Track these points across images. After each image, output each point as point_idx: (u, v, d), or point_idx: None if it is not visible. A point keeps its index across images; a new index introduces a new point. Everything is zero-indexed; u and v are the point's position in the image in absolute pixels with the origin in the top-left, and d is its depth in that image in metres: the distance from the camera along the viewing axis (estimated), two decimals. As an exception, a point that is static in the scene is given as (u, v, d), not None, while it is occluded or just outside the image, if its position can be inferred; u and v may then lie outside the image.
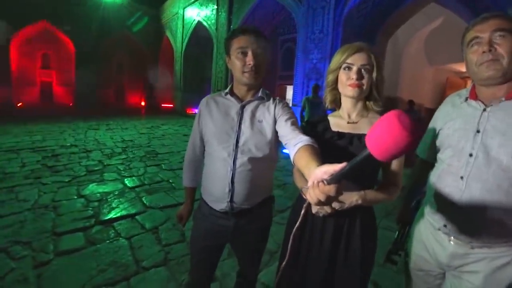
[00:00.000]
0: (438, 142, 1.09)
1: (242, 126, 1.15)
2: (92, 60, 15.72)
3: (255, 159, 1.14)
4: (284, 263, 0.92)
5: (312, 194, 0.60)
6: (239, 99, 1.20)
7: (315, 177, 0.61)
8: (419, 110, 7.35)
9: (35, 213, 2.87)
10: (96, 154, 5.49)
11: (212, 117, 1.20)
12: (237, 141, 1.14)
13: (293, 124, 1.10)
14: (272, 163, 1.25)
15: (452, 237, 1.00)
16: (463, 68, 10.06)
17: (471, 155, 0.95)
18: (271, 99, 1.21)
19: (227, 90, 1.23)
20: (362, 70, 1.04)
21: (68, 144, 6.24)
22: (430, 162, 1.15)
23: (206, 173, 1.24)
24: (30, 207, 2.99)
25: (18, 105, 14.60)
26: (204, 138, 1.24)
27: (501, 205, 0.89)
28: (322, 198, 0.58)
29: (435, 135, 1.11)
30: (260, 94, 1.19)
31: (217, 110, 1.20)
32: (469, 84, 1.00)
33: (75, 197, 3.34)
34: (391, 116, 0.52)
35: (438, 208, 1.04)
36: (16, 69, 14.94)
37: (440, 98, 10.52)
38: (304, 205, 0.70)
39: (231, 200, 1.15)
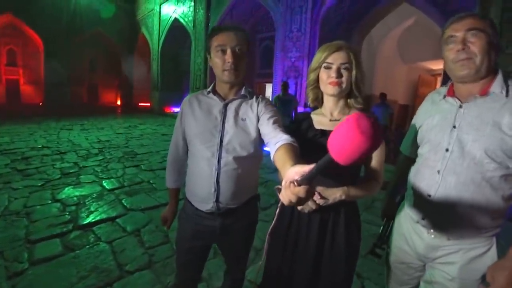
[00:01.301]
0: (418, 138, 1.13)
1: (226, 125, 1.14)
2: (62, 57, 14.93)
3: (240, 158, 1.14)
4: (261, 262, 0.93)
5: (284, 195, 0.60)
6: (221, 97, 1.19)
7: (287, 178, 0.61)
8: (393, 106, 7.50)
9: (6, 220, 2.71)
10: (70, 156, 5.26)
11: (194, 117, 1.19)
12: (221, 140, 1.13)
13: (275, 122, 1.09)
14: (256, 162, 1.25)
15: (430, 230, 1.04)
16: (434, 66, 10.59)
17: (447, 149, 0.99)
18: (254, 97, 1.21)
19: (209, 89, 1.21)
20: (342, 68, 1.07)
21: (39, 146, 5.92)
22: (412, 158, 1.19)
23: (190, 173, 1.22)
24: (0, 214, 2.82)
25: (-19, 105, 13.64)
26: (187, 138, 1.23)
27: (474, 197, 0.94)
28: (293, 199, 0.58)
29: (416, 132, 1.16)
30: (243, 92, 1.18)
31: (200, 109, 1.19)
32: (439, 81, 1.05)
33: (50, 201, 3.19)
34: (350, 120, 0.51)
35: (416, 202, 1.09)
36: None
37: (412, 95, 11.02)
38: (278, 205, 0.70)
39: (217, 200, 1.15)
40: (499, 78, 0.94)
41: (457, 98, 1.01)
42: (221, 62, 1.10)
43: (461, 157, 0.96)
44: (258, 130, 1.15)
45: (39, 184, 3.70)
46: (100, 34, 16.51)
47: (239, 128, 1.14)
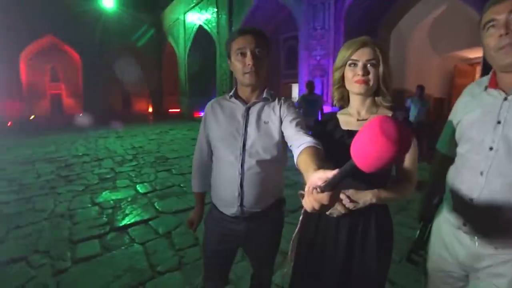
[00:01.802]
0: (457, 135, 1.02)
1: (248, 128, 1.14)
2: (97, 70, 16.06)
3: (263, 162, 1.13)
4: (286, 269, 0.90)
5: (307, 201, 0.58)
6: (244, 101, 1.19)
7: (310, 183, 0.58)
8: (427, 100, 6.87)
9: (52, 222, 2.96)
10: (107, 162, 5.59)
11: (217, 121, 1.20)
12: (244, 144, 1.13)
13: (297, 124, 1.07)
14: (280, 165, 1.23)
15: (473, 237, 0.93)
16: (471, 54, 9.86)
17: (491, 148, 0.88)
18: (276, 99, 1.20)
19: (231, 93, 1.22)
20: (368, 65, 1.02)
21: (80, 154, 6.38)
22: (450, 157, 1.08)
23: (215, 177, 1.23)
24: (47, 217, 3.08)
25: (30, 118, 14.97)
26: (211, 143, 1.24)
27: None
28: (316, 206, 0.56)
29: (454, 128, 1.04)
30: (265, 95, 1.18)
31: (223, 114, 1.20)
32: (478, 70, 0.92)
33: (90, 205, 3.42)
34: (373, 124, 0.47)
35: (457, 206, 0.98)
36: (26, 83, 15.35)
37: (448, 87, 10.33)
38: (302, 211, 0.66)
39: (241, 204, 1.14)
40: None
41: (501, 90, 0.89)
42: (241, 65, 1.11)
43: (508, 156, 0.85)
44: (281, 133, 1.14)
45: (80, 189, 3.98)
46: (130, 47, 17.47)
47: (262, 132, 1.14)
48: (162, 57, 18.01)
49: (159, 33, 17.38)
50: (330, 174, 0.55)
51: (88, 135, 9.16)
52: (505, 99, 0.88)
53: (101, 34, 15.99)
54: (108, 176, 4.66)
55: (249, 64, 1.09)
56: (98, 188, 4.05)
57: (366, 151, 0.46)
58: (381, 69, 1.04)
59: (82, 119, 12.91)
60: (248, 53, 1.09)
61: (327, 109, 6.43)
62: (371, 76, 1.02)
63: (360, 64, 1.02)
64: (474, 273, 0.97)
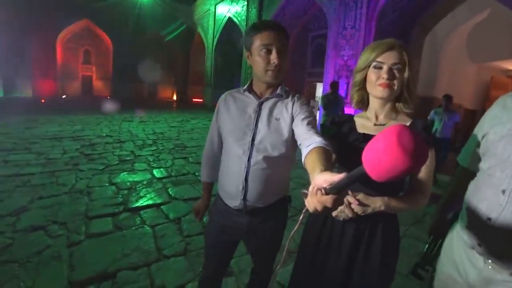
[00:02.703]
0: (481, 149, 0.95)
1: (259, 123, 1.13)
2: (128, 56, 16.61)
3: (270, 158, 1.12)
4: (279, 266, 0.89)
5: (310, 201, 0.58)
6: (257, 95, 1.18)
7: (315, 184, 0.58)
8: (457, 111, 6.32)
9: (71, 197, 3.11)
10: (128, 145, 5.79)
11: (229, 114, 1.20)
12: (253, 139, 1.12)
13: (309, 123, 1.04)
14: (288, 163, 1.22)
15: (487, 259, 0.88)
16: (510, 66, 9.24)
17: None
18: (290, 96, 1.17)
19: (245, 87, 1.21)
20: (394, 69, 0.98)
21: (104, 135, 6.64)
22: (472, 171, 1.02)
23: (222, 169, 1.24)
24: (68, 191, 3.24)
25: (63, 97, 15.77)
26: (222, 135, 1.25)
27: None
28: (319, 207, 0.56)
29: (479, 141, 0.97)
30: (279, 91, 1.15)
31: (235, 107, 1.20)
32: None
33: (107, 184, 3.56)
34: (391, 132, 0.45)
35: (473, 224, 0.92)
36: (60, 64, 16.17)
37: (483, 98, 9.75)
38: (303, 211, 0.66)
39: (244, 198, 1.15)
40: None
41: None
42: (264, 62, 1.07)
43: None
44: (292, 131, 1.12)
45: (100, 168, 4.15)
46: (160, 36, 17.89)
47: (272, 128, 1.12)
48: (190, 47, 18.30)
49: (189, 23, 17.63)
50: (336, 177, 0.54)
51: (113, 118, 9.51)
52: None
53: (135, 22, 16.50)
54: (127, 158, 4.82)
55: (274, 62, 1.07)
56: (117, 169, 4.21)
57: (379, 160, 0.45)
58: (406, 74, 0.99)
59: (109, 101, 13.41)
60: (274, 51, 1.06)
61: (349, 110, 6.28)
62: (395, 81, 0.98)
63: (385, 67, 0.98)
64: None
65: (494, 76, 9.51)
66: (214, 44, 14.56)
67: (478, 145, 0.98)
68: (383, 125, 1.06)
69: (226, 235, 1.27)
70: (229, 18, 12.88)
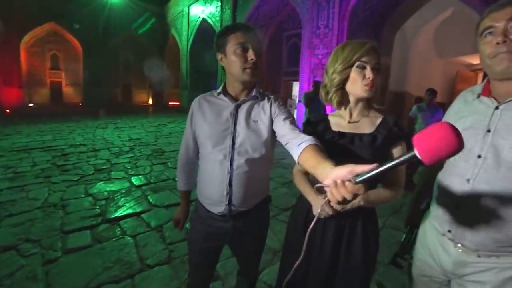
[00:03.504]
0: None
1: (237, 127, 1.12)
2: (99, 60, 16.00)
3: (252, 160, 1.12)
4: (297, 263, 0.89)
5: (336, 193, 0.62)
6: (233, 98, 1.16)
7: (338, 176, 0.62)
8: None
9: (45, 211, 2.95)
10: (104, 153, 5.58)
11: (205, 119, 1.17)
12: (233, 143, 1.11)
13: (291, 123, 1.07)
14: (268, 163, 1.23)
15: (457, 243, 0.94)
16: (474, 61, 9.83)
17: (479, 156, 0.88)
18: (266, 98, 1.18)
19: (219, 90, 1.19)
20: (375, 69, 1.02)
21: (77, 143, 6.36)
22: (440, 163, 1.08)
23: (202, 176, 1.21)
24: (40, 206, 3.07)
25: (30, 105, 14.93)
26: (198, 140, 1.21)
27: (509, 211, 0.83)
28: (349, 196, 0.60)
29: None
30: (254, 93, 1.15)
31: (210, 111, 1.17)
32: (481, 76, 0.92)
33: (83, 195, 3.41)
34: (445, 126, 0.57)
35: (442, 212, 0.99)
36: (26, 70, 15.27)
37: (450, 92, 10.30)
38: (322, 204, 0.72)
39: (229, 203, 1.14)
40: None
41: (494, 98, 0.89)
42: (241, 60, 1.07)
43: (495, 165, 0.84)
44: (271, 132, 1.13)
45: (75, 179, 3.97)
46: (133, 37, 17.39)
47: (251, 130, 1.12)
48: (165, 50, 17.91)
49: (162, 25, 17.27)
50: (365, 167, 0.60)
51: (87, 125, 9.13)
52: (497, 108, 0.88)
53: (105, 24, 15.90)
54: (104, 167, 4.65)
55: (251, 59, 1.07)
56: (93, 178, 4.04)
57: (436, 146, 0.56)
58: (380, 73, 1.04)
59: (82, 108, 12.87)
60: (250, 48, 1.07)
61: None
62: (376, 80, 1.03)
63: (369, 67, 1.01)
64: (456, 279, 0.97)
65: (460, 70, 10.08)
66: (189, 46, 14.37)
67: None
68: (357, 122, 1.10)
69: (210, 241, 1.25)
70: (203, 19, 12.75)
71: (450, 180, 0.96)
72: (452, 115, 1.04)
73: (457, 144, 0.56)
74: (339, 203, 0.63)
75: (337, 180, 0.62)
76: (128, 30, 16.81)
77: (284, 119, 1.09)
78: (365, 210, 1.04)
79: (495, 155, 0.85)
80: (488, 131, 0.87)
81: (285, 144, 1.04)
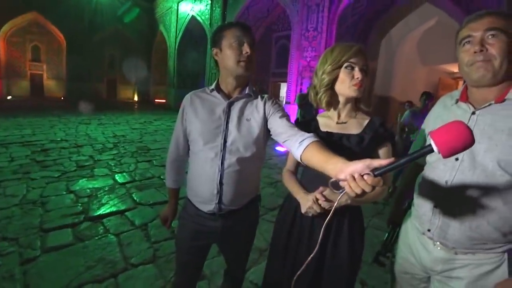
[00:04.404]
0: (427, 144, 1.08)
1: (230, 125, 1.11)
2: (83, 54, 15.50)
3: (244, 159, 1.11)
4: (312, 255, 0.90)
5: (355, 186, 0.66)
6: (225, 95, 1.15)
7: (357, 170, 0.66)
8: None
9: (23, 208, 2.83)
10: (87, 149, 5.42)
11: (197, 116, 1.15)
12: (225, 141, 1.10)
13: (288, 121, 1.09)
14: (260, 162, 1.23)
15: (436, 242, 0.99)
16: (455, 69, 10.21)
17: (457, 159, 0.92)
18: (259, 96, 1.18)
19: (212, 87, 1.17)
20: (363, 70, 1.06)
21: (58, 139, 6.14)
22: (421, 165, 1.12)
23: (192, 173, 1.19)
24: (18, 203, 2.95)
25: (8, 98, 14.31)
26: (189, 138, 1.19)
27: (484, 210, 0.88)
28: (368, 189, 0.64)
29: (425, 137, 1.08)
30: (247, 91, 1.15)
31: (202, 108, 1.15)
32: (461, 84, 0.99)
33: (64, 192, 3.30)
34: (459, 123, 0.64)
35: (422, 212, 1.03)
36: (5, 61, 14.62)
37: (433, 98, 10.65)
38: (339, 197, 0.76)
39: (220, 202, 1.13)
40: None
41: (471, 104, 0.94)
42: (236, 54, 1.07)
43: (471, 167, 0.89)
44: (263, 131, 1.13)
45: (56, 176, 3.84)
46: (120, 32, 16.97)
47: (243, 129, 1.12)
48: (152, 46, 17.60)
49: (151, 20, 16.96)
50: (383, 161, 0.65)
51: (69, 120, 8.84)
52: (473, 113, 0.92)
53: (91, 17, 15.42)
54: (86, 163, 4.51)
55: (246, 52, 1.07)
56: (74, 175, 3.92)
57: (454, 140, 0.63)
58: (368, 75, 1.08)
59: (64, 103, 12.46)
60: (245, 43, 1.08)
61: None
62: (364, 81, 1.06)
63: (357, 68, 1.04)
64: (435, 275, 1.02)
65: (442, 78, 10.45)
66: (177, 43, 14.19)
67: (425, 141, 1.10)
68: (345, 123, 1.13)
69: (199, 240, 1.24)
70: (193, 17, 12.63)
71: (430, 182, 1.01)
72: (432, 119, 1.09)
73: (471, 139, 0.63)
74: (356, 196, 0.67)
75: (354, 174, 0.66)
76: (115, 25, 16.40)
77: (281, 117, 1.10)
78: (351, 208, 1.08)
79: (471, 158, 0.89)
80: None
81: (284, 142, 1.04)
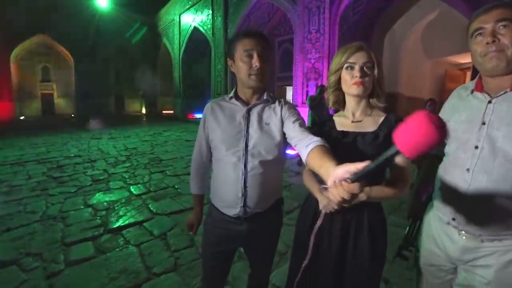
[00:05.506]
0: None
1: (250, 129, 1.15)
2: (90, 71, 15.90)
3: (266, 162, 1.14)
4: (305, 263, 0.91)
5: (335, 193, 0.62)
6: (244, 102, 1.19)
7: (337, 176, 0.62)
8: (419, 103, 6.88)
9: (44, 224, 2.90)
10: (100, 164, 5.52)
11: (218, 123, 1.19)
12: (246, 145, 1.13)
13: (301, 125, 1.11)
14: (281, 165, 1.25)
15: (461, 231, 0.99)
16: (461, 60, 10.06)
17: (476, 147, 0.94)
18: (277, 101, 1.21)
19: (231, 94, 1.22)
20: (364, 68, 1.06)
21: (72, 155, 6.28)
22: (439, 156, 1.14)
23: (216, 179, 1.22)
24: (39, 219, 3.02)
25: (21, 118, 14.72)
26: (211, 144, 1.23)
27: (507, 196, 0.88)
28: (346, 196, 0.59)
29: None
30: (265, 97, 1.19)
31: (223, 115, 1.19)
32: (469, 75, 1.03)
33: (82, 206, 3.36)
34: (422, 115, 0.55)
35: (446, 202, 1.04)
36: (17, 84, 15.10)
37: (439, 91, 10.52)
38: (323, 205, 0.72)
39: (245, 205, 1.15)
40: None
41: (486, 93, 0.96)
42: (247, 67, 1.10)
43: (492, 154, 0.91)
44: (282, 134, 1.16)
45: (73, 191, 3.91)
46: (124, 48, 17.36)
47: (264, 133, 1.15)
48: (157, 59, 17.93)
49: (154, 34, 17.30)
50: (360, 166, 0.59)
51: (80, 136, 9.03)
52: (490, 102, 0.95)
53: (95, 34, 15.86)
54: (101, 177, 4.60)
55: (256, 66, 1.10)
56: (91, 189, 4.00)
57: (414, 138, 0.54)
58: (376, 71, 1.08)
59: (74, 120, 12.75)
60: (255, 55, 1.10)
61: (333, 111, 6.48)
62: (367, 78, 1.06)
63: (357, 66, 1.06)
64: (462, 265, 1.02)
65: (448, 70, 10.31)
66: (181, 54, 14.41)
67: None
68: (360, 121, 1.13)
69: (224, 244, 1.25)
70: (195, 28, 12.84)
71: (451, 171, 1.02)
72: (448, 111, 1.11)
73: (436, 135, 0.53)
74: (341, 203, 0.63)
75: (335, 180, 0.62)
76: (119, 40, 16.79)
77: (294, 121, 1.12)
78: (370, 205, 1.07)
79: (490, 145, 0.91)
80: (483, 123, 0.94)
81: (295, 145, 1.07)
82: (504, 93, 0.91)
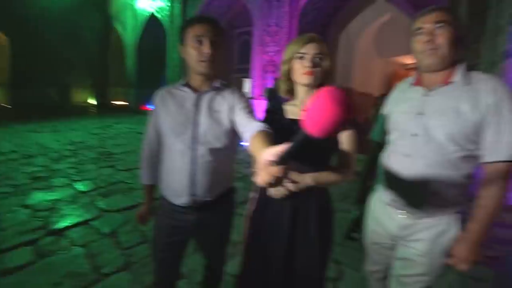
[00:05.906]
0: (388, 125, 1.21)
1: (199, 117, 1.14)
2: (31, 56, 14.10)
3: (215, 150, 1.14)
4: (244, 245, 0.91)
5: (260, 176, 0.61)
6: (195, 90, 1.17)
7: (262, 159, 0.61)
8: (370, 98, 7.41)
9: (-29, 229, 2.54)
10: (40, 159, 4.99)
11: (168, 110, 1.17)
12: (195, 133, 1.12)
13: (248, 112, 1.11)
14: (232, 153, 1.25)
15: (400, 210, 1.12)
16: (407, 61, 10.95)
17: (415, 134, 1.06)
18: (227, 88, 1.21)
19: (183, 82, 1.20)
20: (315, 58, 1.09)
21: (5, 151, 5.58)
22: (383, 144, 1.26)
23: (165, 167, 1.21)
24: (-36, 223, 2.64)
25: None
26: (161, 132, 1.21)
27: (439, 178, 1.02)
28: (270, 179, 0.59)
29: (386, 119, 1.23)
30: (215, 84, 1.18)
31: (173, 103, 1.17)
32: (412, 75, 1.18)
33: (19, 208, 3.01)
34: (322, 92, 0.54)
35: (387, 185, 1.16)
36: None
37: (387, 88, 11.35)
38: (253, 188, 0.72)
39: (193, 193, 1.14)
40: (461, 68, 1.01)
41: (423, 87, 1.08)
42: (197, 53, 1.08)
43: (427, 141, 1.03)
44: (232, 122, 1.15)
45: (7, 191, 3.47)
46: (72, 31, 15.71)
47: (213, 120, 1.13)
48: (108, 45, 16.57)
49: (105, 17, 15.94)
50: (280, 148, 0.59)
51: (16, 130, 8.04)
52: (426, 94, 1.07)
53: (37, 14, 14.03)
54: (41, 175, 4.15)
55: (206, 52, 1.08)
56: (29, 188, 3.58)
57: (317, 117, 0.53)
58: (326, 63, 1.12)
59: (8, 111, 11.33)
60: (206, 41, 1.08)
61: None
62: (317, 69, 1.10)
63: (308, 57, 1.09)
64: (401, 241, 1.16)
65: (396, 69, 11.17)
66: (136, 41, 13.54)
67: (385, 122, 1.23)
68: None
69: (175, 235, 1.23)
70: (152, 14, 12.14)
71: (393, 157, 1.15)
72: (391, 103, 1.24)
73: (336, 110, 0.51)
74: (268, 186, 0.61)
75: (261, 164, 0.61)
76: (65, 23, 15.14)
77: (241, 109, 1.13)
78: (318, 190, 1.13)
79: (426, 133, 1.04)
80: (420, 113, 1.06)
81: (241, 133, 1.08)
82: (438, 87, 1.03)
